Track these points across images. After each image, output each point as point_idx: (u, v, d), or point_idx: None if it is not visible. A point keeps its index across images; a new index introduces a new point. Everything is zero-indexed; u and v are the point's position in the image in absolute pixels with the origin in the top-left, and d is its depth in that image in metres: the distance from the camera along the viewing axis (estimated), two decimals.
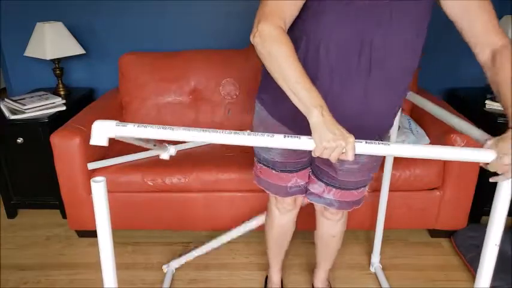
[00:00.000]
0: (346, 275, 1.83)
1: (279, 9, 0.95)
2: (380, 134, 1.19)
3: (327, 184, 1.31)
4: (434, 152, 0.86)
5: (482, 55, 1.03)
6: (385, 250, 1.93)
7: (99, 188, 0.88)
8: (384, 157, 1.30)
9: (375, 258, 1.83)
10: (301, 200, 1.45)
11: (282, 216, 1.48)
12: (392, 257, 1.92)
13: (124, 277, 1.82)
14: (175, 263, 1.84)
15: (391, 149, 0.86)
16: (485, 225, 2.06)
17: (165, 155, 1.18)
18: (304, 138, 0.87)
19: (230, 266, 1.88)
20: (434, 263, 1.89)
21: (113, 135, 0.85)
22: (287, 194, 1.37)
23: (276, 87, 1.03)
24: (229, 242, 2.03)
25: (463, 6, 1.00)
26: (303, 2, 0.98)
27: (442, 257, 1.93)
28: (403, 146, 0.86)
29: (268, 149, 1.27)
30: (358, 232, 2.10)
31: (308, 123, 0.90)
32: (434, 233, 2.05)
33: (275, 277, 1.71)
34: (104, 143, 0.86)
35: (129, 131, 0.85)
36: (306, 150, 1.05)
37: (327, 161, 1.22)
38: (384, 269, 1.82)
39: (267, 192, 1.41)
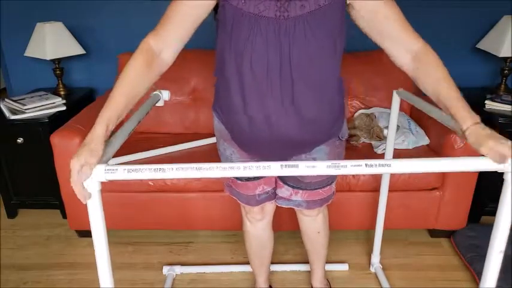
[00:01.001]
0: (347, 275, 1.83)
1: (170, 21, 1.02)
2: (323, 141, 1.21)
3: (293, 187, 1.33)
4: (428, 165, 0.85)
5: (402, 59, 1.03)
6: (385, 250, 1.93)
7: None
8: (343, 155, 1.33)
9: (375, 258, 1.83)
10: (270, 207, 1.44)
11: (254, 227, 1.48)
12: (392, 257, 1.92)
13: (124, 277, 1.82)
14: (179, 269, 1.83)
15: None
16: (485, 225, 2.06)
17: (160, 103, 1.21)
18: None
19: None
20: (434, 263, 1.89)
21: (103, 180, 0.82)
22: (257, 202, 1.38)
23: (222, 96, 1.13)
24: (229, 242, 2.04)
25: (372, 16, 1.01)
26: (201, 14, 1.01)
27: (442, 257, 1.93)
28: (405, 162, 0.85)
29: (229, 160, 1.28)
30: (358, 232, 2.10)
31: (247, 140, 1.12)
32: (434, 233, 2.05)
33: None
34: (97, 188, 0.83)
35: (120, 176, 0.82)
36: (263, 156, 1.17)
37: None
38: (384, 269, 1.82)
39: (239, 202, 1.41)
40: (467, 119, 0.90)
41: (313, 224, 1.50)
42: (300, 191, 1.33)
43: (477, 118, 0.90)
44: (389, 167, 0.84)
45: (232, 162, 1.25)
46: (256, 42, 0.99)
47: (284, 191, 1.36)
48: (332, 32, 1.01)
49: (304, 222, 1.51)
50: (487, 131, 0.87)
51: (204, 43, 2.45)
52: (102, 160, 0.84)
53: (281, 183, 1.35)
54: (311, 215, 1.46)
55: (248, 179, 1.31)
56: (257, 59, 1.00)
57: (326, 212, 1.51)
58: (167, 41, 1.04)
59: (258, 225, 1.48)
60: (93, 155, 0.82)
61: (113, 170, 0.81)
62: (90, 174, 0.81)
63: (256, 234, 1.51)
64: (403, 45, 1.02)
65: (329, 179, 1.33)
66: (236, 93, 1.08)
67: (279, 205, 1.41)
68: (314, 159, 1.23)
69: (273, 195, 1.40)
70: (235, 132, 1.18)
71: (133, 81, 0.98)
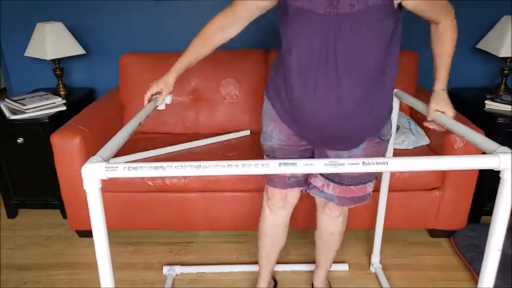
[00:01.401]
0: (347, 275, 1.83)
1: (242, 4, 1.24)
2: (369, 136, 1.25)
3: (326, 178, 1.34)
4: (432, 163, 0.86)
5: (432, 27, 1.24)
6: (385, 250, 1.93)
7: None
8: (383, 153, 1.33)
9: (375, 258, 1.83)
10: (294, 197, 1.45)
11: (273, 216, 1.48)
12: (392, 257, 1.92)
13: (124, 277, 1.82)
14: (179, 269, 1.83)
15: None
16: (484, 225, 2.06)
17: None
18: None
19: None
20: (434, 263, 1.89)
21: (104, 177, 0.83)
22: (286, 185, 1.39)
23: (275, 81, 1.25)
24: (229, 242, 2.04)
25: (417, 11, 1.15)
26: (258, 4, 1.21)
27: (442, 257, 1.93)
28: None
29: (269, 137, 1.35)
30: (358, 232, 2.10)
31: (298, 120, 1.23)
32: (434, 233, 2.05)
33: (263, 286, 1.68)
34: (98, 186, 0.84)
35: (120, 174, 0.83)
36: (304, 138, 1.31)
37: (329, 154, 1.28)
38: (384, 269, 1.82)
39: (267, 185, 1.43)
40: (439, 84, 1.28)
41: (332, 225, 1.50)
42: (332, 184, 1.33)
43: (444, 87, 1.29)
44: (386, 165, 0.84)
45: (272, 138, 1.32)
46: (305, 36, 1.09)
47: (318, 181, 1.37)
48: (380, 32, 1.08)
49: (323, 222, 1.51)
50: (445, 96, 1.27)
51: None
52: (103, 158, 0.85)
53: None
54: (332, 215, 1.46)
55: (284, 158, 1.32)
56: (305, 52, 1.10)
57: (347, 215, 1.51)
58: (237, 19, 1.27)
59: (278, 215, 1.48)
60: (166, 89, 1.31)
61: (114, 167, 0.82)
62: (162, 101, 1.30)
63: (273, 223, 1.50)
64: (436, 20, 1.21)
65: (364, 178, 1.32)
66: (284, 80, 1.20)
67: (312, 194, 1.42)
68: (352, 151, 1.26)
69: (302, 182, 1.41)
70: (281, 111, 1.27)
71: (204, 42, 1.30)
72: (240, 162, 0.83)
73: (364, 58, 1.08)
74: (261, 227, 1.54)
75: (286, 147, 1.32)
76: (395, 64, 1.17)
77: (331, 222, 1.49)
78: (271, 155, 1.36)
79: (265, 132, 1.36)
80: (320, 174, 1.35)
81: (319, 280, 1.69)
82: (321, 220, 1.51)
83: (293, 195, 1.44)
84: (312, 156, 1.36)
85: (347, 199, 1.36)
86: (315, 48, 1.08)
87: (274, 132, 1.31)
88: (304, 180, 1.42)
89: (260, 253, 1.61)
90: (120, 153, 1.92)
